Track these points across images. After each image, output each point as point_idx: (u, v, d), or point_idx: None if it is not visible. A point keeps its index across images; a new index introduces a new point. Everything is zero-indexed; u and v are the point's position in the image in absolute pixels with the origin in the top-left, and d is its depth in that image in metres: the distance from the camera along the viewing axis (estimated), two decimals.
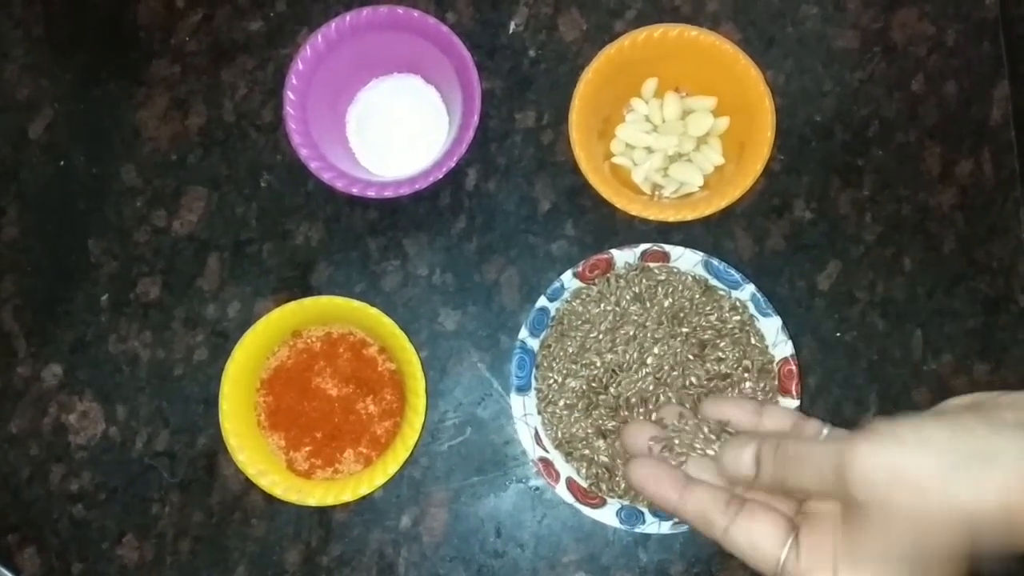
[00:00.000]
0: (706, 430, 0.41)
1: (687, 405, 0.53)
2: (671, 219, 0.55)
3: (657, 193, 0.58)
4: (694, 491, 0.39)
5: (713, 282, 0.55)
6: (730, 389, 0.54)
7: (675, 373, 0.54)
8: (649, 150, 0.58)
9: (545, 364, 0.55)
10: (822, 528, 0.35)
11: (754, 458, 0.38)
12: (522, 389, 0.55)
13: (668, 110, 0.58)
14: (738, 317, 0.55)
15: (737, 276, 0.54)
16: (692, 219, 0.55)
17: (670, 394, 0.54)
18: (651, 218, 0.55)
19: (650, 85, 0.59)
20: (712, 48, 0.55)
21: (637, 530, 0.53)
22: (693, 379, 0.54)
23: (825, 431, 0.39)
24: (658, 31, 0.55)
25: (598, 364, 0.55)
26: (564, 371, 0.55)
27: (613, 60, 0.56)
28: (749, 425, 0.41)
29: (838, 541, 0.35)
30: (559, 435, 0.55)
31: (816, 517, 0.36)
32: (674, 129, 0.58)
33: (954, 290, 0.59)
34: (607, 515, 0.53)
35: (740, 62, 0.55)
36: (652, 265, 0.56)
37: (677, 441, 0.41)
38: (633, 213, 0.55)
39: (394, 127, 0.60)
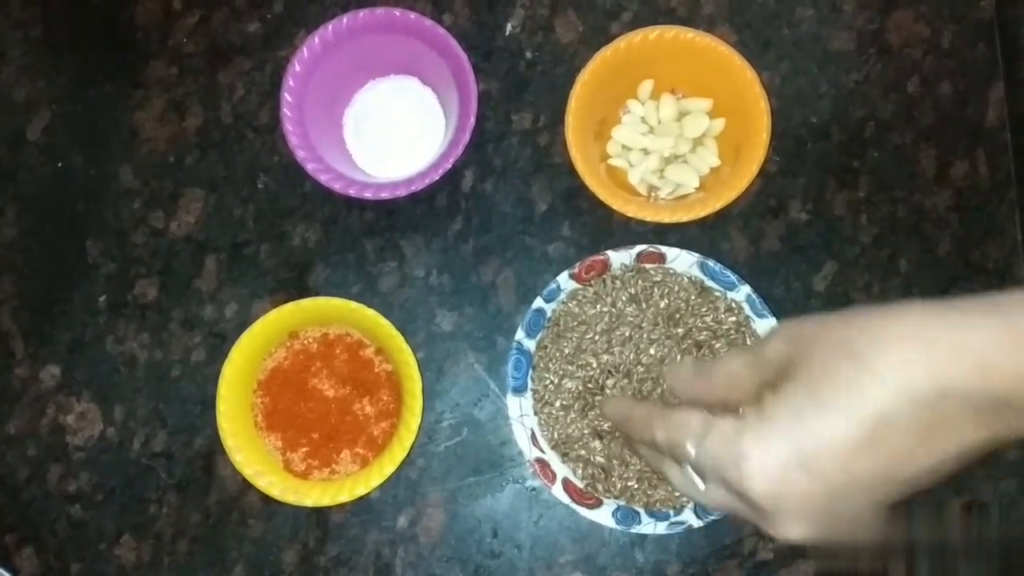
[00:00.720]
0: None
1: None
2: (667, 220, 0.55)
3: (653, 194, 0.59)
4: (641, 404, 0.42)
5: (709, 283, 0.56)
6: None
7: None
8: (645, 152, 0.58)
9: (541, 365, 0.56)
10: (730, 416, 0.35)
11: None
12: (518, 390, 0.55)
13: (664, 112, 0.58)
14: (734, 318, 0.55)
15: (733, 277, 0.55)
16: (688, 220, 0.55)
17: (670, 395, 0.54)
18: (647, 219, 0.55)
19: (646, 87, 0.59)
20: (708, 50, 0.56)
21: (633, 531, 0.54)
22: None
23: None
24: (654, 33, 0.56)
25: (594, 365, 0.55)
26: (560, 372, 0.55)
27: (609, 62, 0.56)
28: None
29: (749, 415, 0.34)
30: (555, 436, 0.55)
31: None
32: (670, 131, 0.58)
33: (950, 292, 0.59)
34: (603, 516, 0.54)
35: (736, 64, 0.55)
36: (648, 266, 0.56)
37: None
38: (629, 215, 0.55)
39: (391, 129, 0.60)
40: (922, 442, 0.33)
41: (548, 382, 0.55)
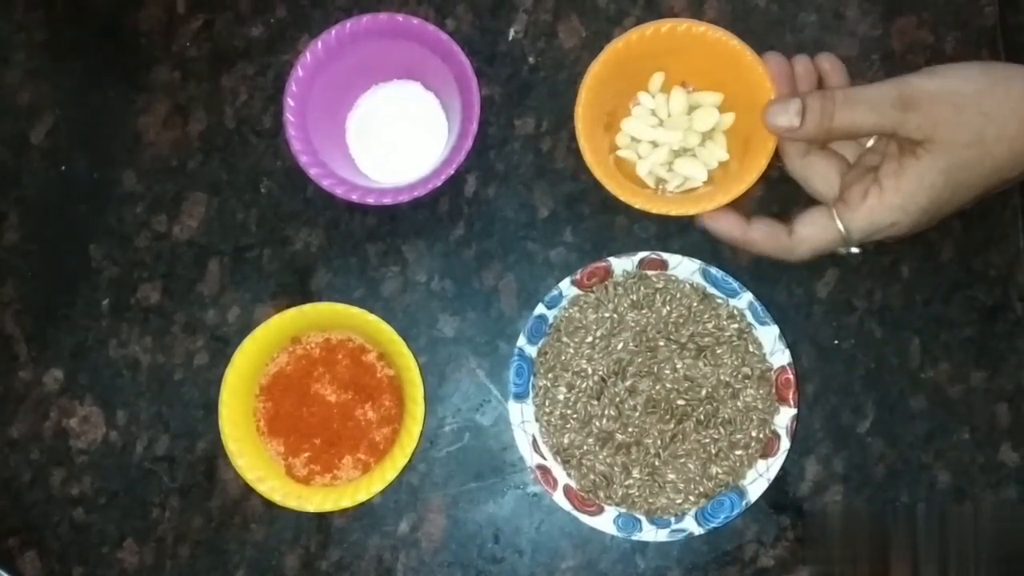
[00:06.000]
0: None
1: (689, 416, 0.53)
2: (674, 213, 0.55)
3: (661, 187, 0.58)
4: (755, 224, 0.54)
5: (711, 290, 0.56)
6: (730, 399, 0.55)
7: (673, 380, 0.55)
8: (654, 144, 0.58)
9: (543, 371, 0.56)
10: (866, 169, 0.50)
11: (799, 110, 0.50)
12: (520, 396, 0.55)
13: (674, 105, 0.58)
14: (736, 325, 0.55)
15: (735, 284, 0.55)
16: (694, 214, 0.55)
17: (677, 402, 0.54)
18: (654, 212, 0.55)
19: (656, 80, 0.58)
20: (719, 44, 0.55)
21: (634, 538, 0.54)
22: (692, 387, 0.54)
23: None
24: (665, 26, 0.55)
25: (595, 371, 0.55)
26: (562, 378, 0.55)
27: (620, 54, 0.56)
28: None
29: (884, 167, 0.49)
30: (556, 443, 0.55)
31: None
32: (680, 124, 0.58)
33: (952, 298, 0.59)
34: (604, 523, 0.54)
35: (747, 58, 0.55)
36: (650, 273, 0.56)
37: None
38: (637, 207, 0.54)
39: (394, 134, 0.60)
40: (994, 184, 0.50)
41: (549, 388, 0.55)
